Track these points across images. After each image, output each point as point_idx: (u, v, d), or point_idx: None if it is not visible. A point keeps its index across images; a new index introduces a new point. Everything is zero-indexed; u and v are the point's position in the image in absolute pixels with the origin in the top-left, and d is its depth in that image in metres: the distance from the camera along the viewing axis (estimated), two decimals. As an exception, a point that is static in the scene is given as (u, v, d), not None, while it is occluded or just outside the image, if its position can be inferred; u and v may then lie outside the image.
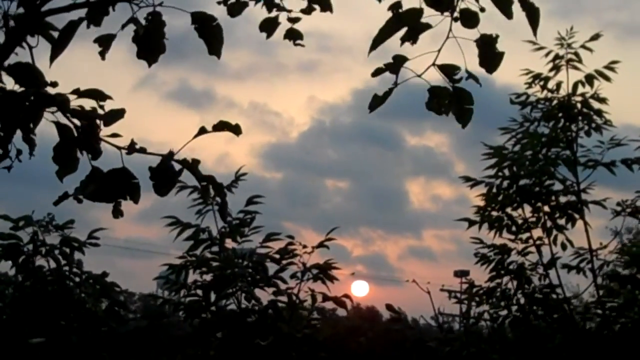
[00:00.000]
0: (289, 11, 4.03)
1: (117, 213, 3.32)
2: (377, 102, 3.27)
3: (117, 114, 3.21)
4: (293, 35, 4.12)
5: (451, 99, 3.22)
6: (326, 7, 3.93)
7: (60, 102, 3.26)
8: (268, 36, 4.07)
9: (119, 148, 3.26)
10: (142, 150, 3.16)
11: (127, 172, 3.22)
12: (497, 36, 3.19)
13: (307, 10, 3.96)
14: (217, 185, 3.18)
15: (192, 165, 3.07)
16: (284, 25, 4.14)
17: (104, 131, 3.34)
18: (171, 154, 3.06)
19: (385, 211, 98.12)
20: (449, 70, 3.21)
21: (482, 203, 9.74)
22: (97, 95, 3.30)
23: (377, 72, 3.20)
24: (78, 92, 3.37)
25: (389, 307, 8.88)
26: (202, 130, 3.08)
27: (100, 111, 3.38)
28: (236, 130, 3.10)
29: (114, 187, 3.23)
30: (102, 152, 3.38)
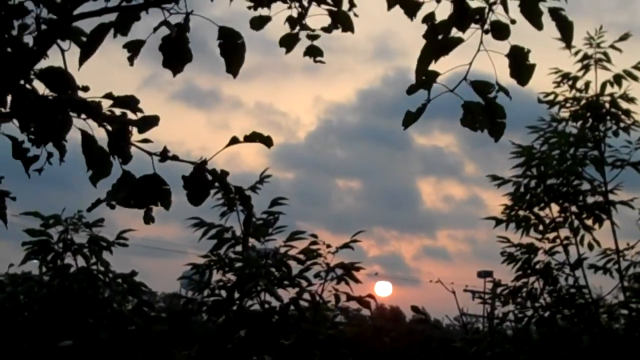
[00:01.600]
0: (312, 30, 3.99)
1: (148, 219, 3.31)
2: (410, 119, 3.22)
3: (151, 121, 3.19)
4: (313, 52, 4.10)
5: (484, 114, 3.17)
6: (348, 28, 3.90)
7: (93, 108, 3.24)
8: (287, 51, 4.04)
9: (150, 154, 3.24)
10: (175, 158, 3.14)
11: (159, 179, 3.20)
12: (529, 51, 3.15)
13: (329, 30, 3.92)
14: (244, 197, 3.16)
15: (222, 177, 3.05)
16: (303, 41, 4.12)
17: (135, 136, 3.33)
18: (204, 162, 3.03)
19: (398, 211, 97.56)
20: (482, 87, 3.16)
21: (508, 202, 9.70)
22: (130, 103, 3.28)
23: (412, 90, 3.15)
24: (111, 97, 3.35)
25: (414, 308, 8.86)
26: (234, 140, 3.06)
27: (131, 115, 3.36)
28: (267, 142, 3.08)
29: (145, 193, 3.21)
30: (132, 157, 3.37)
